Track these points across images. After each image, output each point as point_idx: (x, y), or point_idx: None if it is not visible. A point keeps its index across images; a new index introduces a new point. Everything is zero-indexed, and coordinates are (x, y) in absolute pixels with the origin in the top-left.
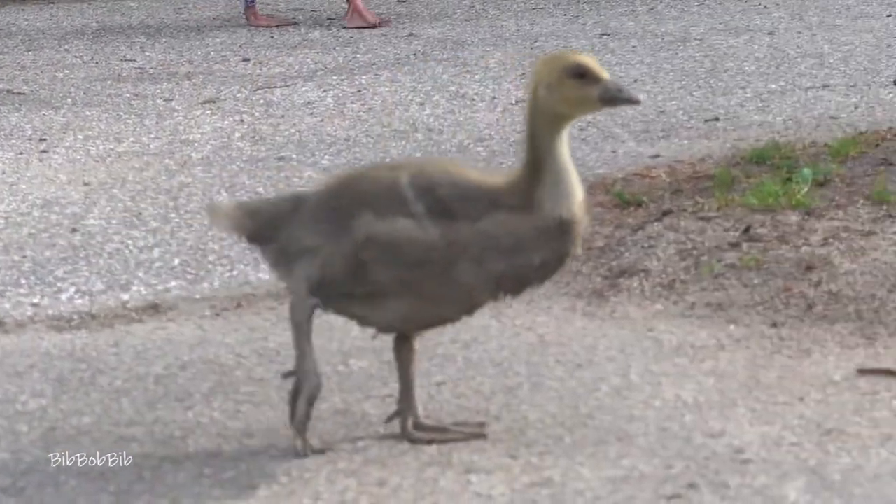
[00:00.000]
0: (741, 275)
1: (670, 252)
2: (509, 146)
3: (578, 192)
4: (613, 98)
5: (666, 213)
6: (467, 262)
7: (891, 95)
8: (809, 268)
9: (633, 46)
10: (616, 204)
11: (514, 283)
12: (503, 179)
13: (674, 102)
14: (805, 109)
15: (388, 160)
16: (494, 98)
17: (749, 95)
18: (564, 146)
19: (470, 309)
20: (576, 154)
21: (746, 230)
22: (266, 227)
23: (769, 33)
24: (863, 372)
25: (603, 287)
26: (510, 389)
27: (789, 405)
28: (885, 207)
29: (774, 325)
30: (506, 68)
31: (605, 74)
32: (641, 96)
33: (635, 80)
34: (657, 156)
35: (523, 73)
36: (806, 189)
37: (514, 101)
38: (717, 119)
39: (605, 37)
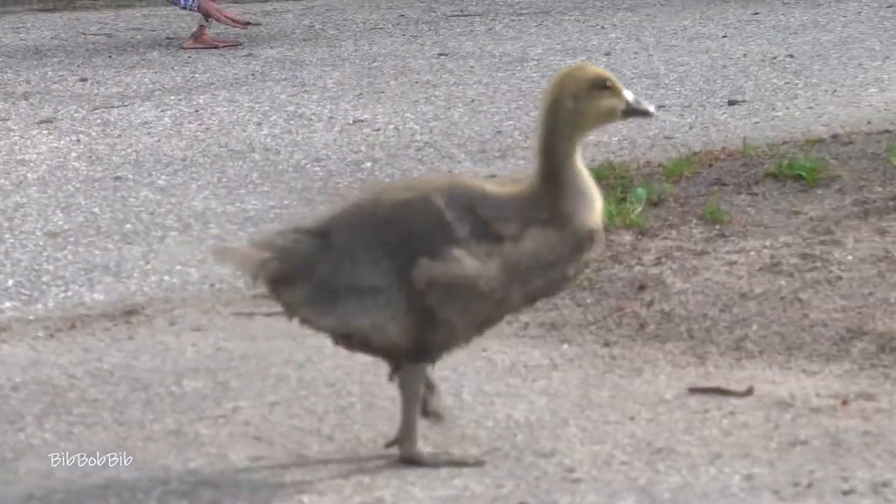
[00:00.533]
0: (574, 294)
1: None
2: (346, 166)
3: (599, 201)
4: (634, 110)
5: None
6: (517, 282)
7: (725, 116)
8: (642, 287)
9: (471, 66)
10: None
11: (546, 296)
12: (524, 191)
13: (510, 122)
14: (640, 130)
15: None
16: (332, 118)
17: None
18: (580, 156)
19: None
20: (411, 174)
21: None
22: (299, 267)
23: (606, 54)
24: (693, 391)
25: None
26: (343, 409)
27: (620, 424)
28: (717, 227)
29: (607, 344)
30: (343, 88)
31: (622, 86)
32: (652, 108)
33: (472, 101)
34: (493, 176)
35: (360, 94)
36: (640, 209)
37: (351, 122)
38: None
39: (442, 57)
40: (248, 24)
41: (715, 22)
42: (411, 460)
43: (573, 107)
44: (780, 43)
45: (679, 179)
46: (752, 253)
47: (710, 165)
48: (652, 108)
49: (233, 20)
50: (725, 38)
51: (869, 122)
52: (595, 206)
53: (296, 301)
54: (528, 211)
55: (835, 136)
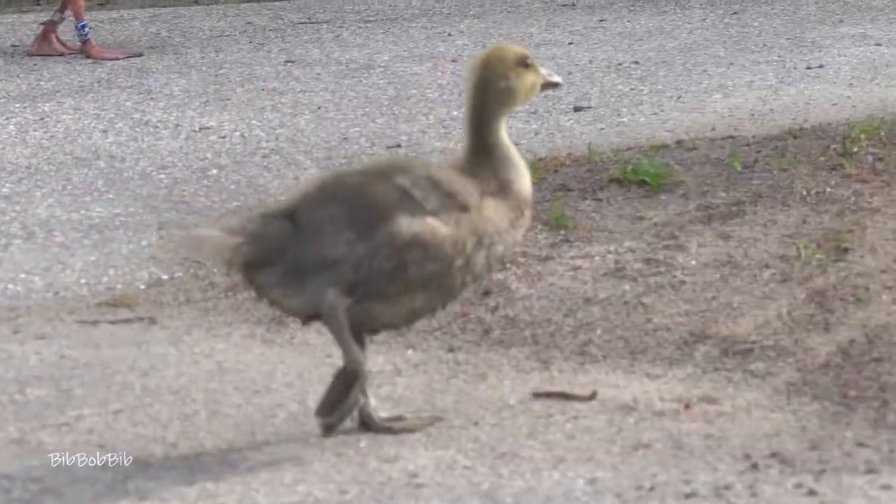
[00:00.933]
0: None
1: None
2: (192, 173)
3: (527, 170)
4: (548, 83)
5: None
6: (482, 249)
7: (571, 122)
8: (487, 293)
9: (318, 73)
10: None
11: (501, 263)
12: (463, 168)
13: (357, 129)
14: None
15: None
16: (178, 125)
17: (432, 122)
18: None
19: (458, 296)
20: (257, 181)
21: None
22: (271, 250)
23: (453, 60)
24: (537, 395)
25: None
26: (187, 417)
27: (464, 429)
28: (562, 233)
29: (451, 349)
30: (190, 95)
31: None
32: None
33: (319, 108)
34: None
35: (207, 101)
36: None
37: (197, 129)
38: (399, 146)
39: (289, 64)
40: (140, 54)
41: (561, 29)
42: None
43: (504, 85)
44: (626, 49)
45: None
46: (596, 258)
47: (556, 171)
48: (560, 79)
49: (121, 56)
50: (571, 45)
51: (713, 128)
52: (526, 175)
53: (267, 283)
54: (478, 183)
55: (679, 142)
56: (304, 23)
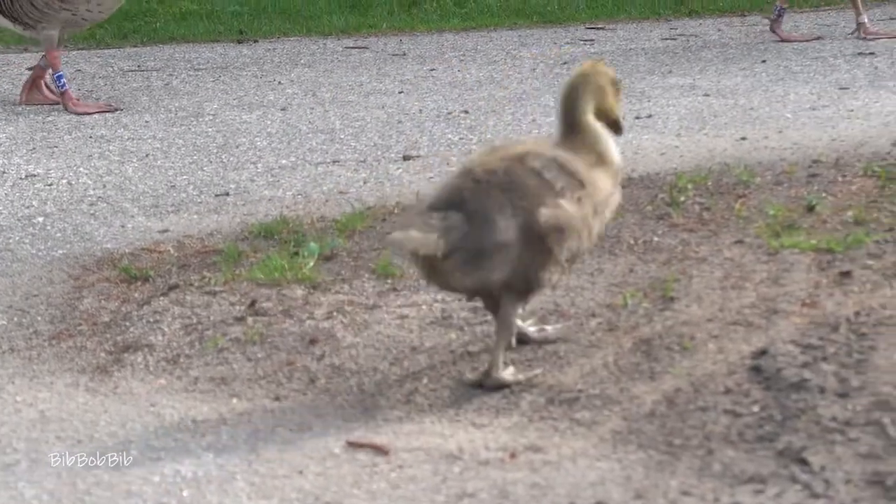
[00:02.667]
0: (245, 349)
1: (175, 327)
2: (17, 221)
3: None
4: (616, 121)
5: (172, 288)
6: (597, 217)
7: (399, 170)
8: (313, 341)
9: (147, 121)
10: (123, 279)
11: (603, 231)
12: (564, 146)
13: (185, 177)
14: (315, 184)
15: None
16: (4, 173)
17: (260, 170)
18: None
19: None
20: (83, 229)
21: (252, 304)
22: (457, 240)
23: (282, 109)
24: (362, 445)
25: (107, 362)
26: (8, 466)
27: (289, 478)
28: (389, 281)
29: (277, 398)
30: (16, 143)
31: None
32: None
33: (147, 155)
34: (166, 230)
35: (34, 148)
36: (312, 263)
37: (23, 176)
38: (227, 194)
39: (118, 111)
40: (117, 109)
41: (391, 78)
42: (499, 385)
43: (600, 84)
44: (456, 99)
45: (352, 234)
46: (423, 307)
47: (384, 220)
48: (622, 130)
49: (98, 110)
50: (402, 94)
51: None
52: (615, 145)
53: (450, 269)
54: (582, 158)
55: None
56: (135, 70)
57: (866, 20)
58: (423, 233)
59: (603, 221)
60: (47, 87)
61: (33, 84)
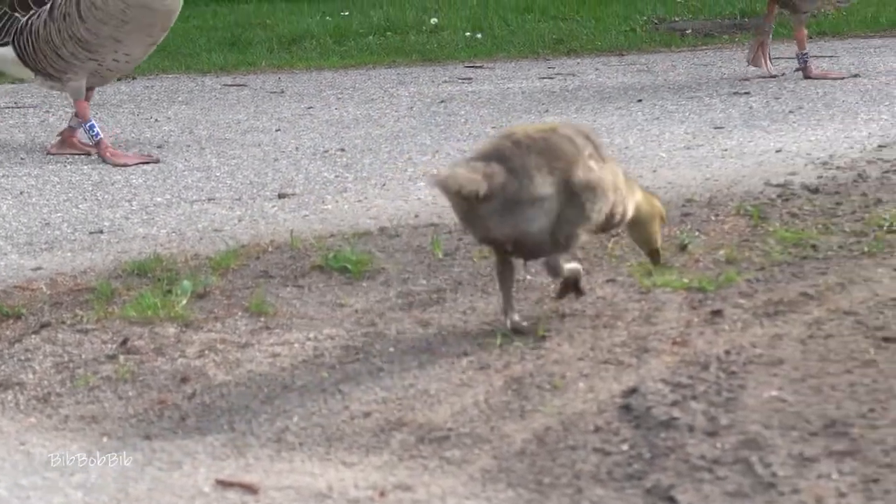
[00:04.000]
0: (116, 387)
1: (47, 365)
2: None
3: None
4: None
5: (44, 326)
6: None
7: (275, 209)
8: (185, 379)
9: (22, 158)
10: None
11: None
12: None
13: (59, 215)
14: (190, 222)
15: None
16: None
17: (135, 208)
18: None
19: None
20: None
21: (124, 342)
22: (497, 186)
23: (158, 146)
24: (231, 483)
25: None
26: None
27: None
28: (262, 319)
29: (147, 437)
30: None
31: None
32: None
33: (21, 192)
34: (39, 268)
35: None
36: (185, 301)
37: None
38: (101, 231)
39: None
40: (156, 160)
41: (269, 115)
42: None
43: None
44: (333, 137)
45: (226, 272)
46: (295, 345)
47: (258, 258)
48: None
49: (138, 161)
50: (279, 132)
51: (416, 216)
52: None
53: (486, 214)
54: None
55: (382, 229)
56: (11, 107)
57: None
58: (470, 174)
59: (618, 214)
60: (80, 142)
61: (64, 141)
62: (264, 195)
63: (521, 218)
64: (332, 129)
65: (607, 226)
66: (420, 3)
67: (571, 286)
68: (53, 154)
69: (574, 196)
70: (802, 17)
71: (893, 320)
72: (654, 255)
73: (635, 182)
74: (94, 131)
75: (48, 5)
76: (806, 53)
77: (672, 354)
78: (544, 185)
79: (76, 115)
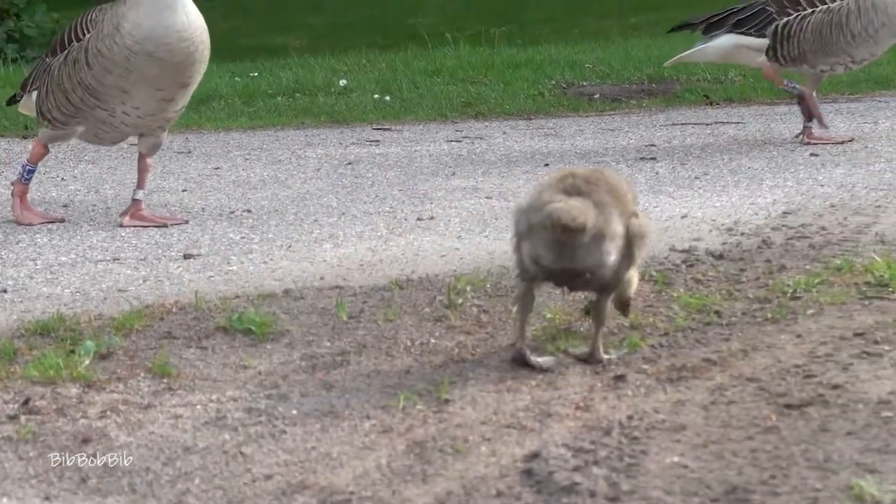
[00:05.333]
0: (17, 448)
1: None
2: None
3: None
4: None
5: None
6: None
7: (179, 269)
8: (86, 440)
9: None
10: None
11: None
12: None
13: None
14: (94, 282)
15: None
16: None
17: (39, 267)
18: None
19: None
20: None
21: (25, 402)
22: (599, 216)
23: (64, 205)
24: None
25: None
26: None
27: None
28: (165, 381)
29: (48, 498)
30: None
31: None
32: None
33: None
34: None
35: None
36: (88, 362)
37: None
38: (5, 291)
39: None
40: (63, 219)
41: (176, 176)
42: (598, 361)
43: None
44: (239, 198)
45: (130, 332)
46: (198, 407)
47: (162, 319)
48: None
49: (44, 220)
50: (185, 192)
51: (321, 278)
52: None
53: (579, 244)
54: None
55: (287, 291)
56: None
57: (813, 124)
58: (578, 208)
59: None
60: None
61: (136, 210)
62: (169, 255)
63: (601, 251)
64: (238, 189)
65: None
66: (329, 65)
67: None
68: (126, 225)
69: (634, 236)
70: (815, 80)
71: (796, 387)
72: (623, 306)
73: None
74: (28, 176)
75: (66, 51)
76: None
77: (575, 419)
78: (618, 224)
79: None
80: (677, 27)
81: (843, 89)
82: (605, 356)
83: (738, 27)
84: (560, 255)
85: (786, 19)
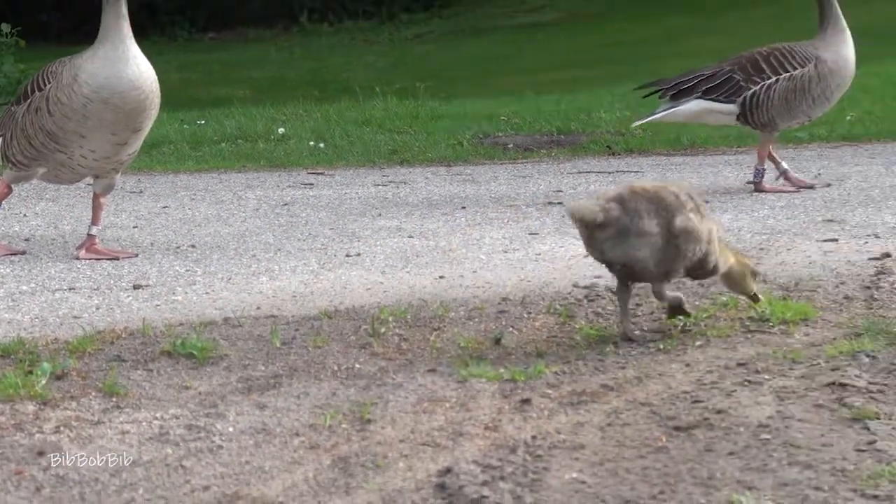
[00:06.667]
0: None
1: None
2: None
3: None
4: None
5: None
6: (712, 247)
7: (129, 298)
8: (41, 453)
9: None
10: None
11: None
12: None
13: None
14: (52, 309)
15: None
16: None
17: (1, 295)
18: None
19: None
20: None
21: None
22: (612, 218)
23: (26, 239)
24: None
25: None
26: None
27: None
28: (114, 399)
29: None
30: None
31: None
32: None
33: None
34: None
35: None
36: (44, 382)
37: None
38: None
39: None
40: (24, 252)
41: (128, 213)
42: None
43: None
44: (185, 234)
45: (83, 355)
46: (143, 423)
47: (112, 343)
48: None
49: (6, 252)
50: (136, 229)
51: (258, 308)
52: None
53: (602, 239)
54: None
55: (226, 319)
56: None
57: (786, 167)
58: (594, 206)
59: (715, 254)
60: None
61: (91, 244)
62: (120, 286)
63: (628, 245)
64: (184, 226)
65: (700, 272)
66: (269, 114)
67: (678, 309)
68: (81, 258)
69: (673, 237)
70: (773, 136)
71: (684, 411)
72: (753, 298)
73: (727, 246)
74: None
75: (29, 100)
76: (761, 170)
77: (484, 438)
78: (651, 224)
79: (93, 222)
80: (647, 86)
81: (731, 143)
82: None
83: (707, 94)
84: (592, 246)
85: (753, 89)
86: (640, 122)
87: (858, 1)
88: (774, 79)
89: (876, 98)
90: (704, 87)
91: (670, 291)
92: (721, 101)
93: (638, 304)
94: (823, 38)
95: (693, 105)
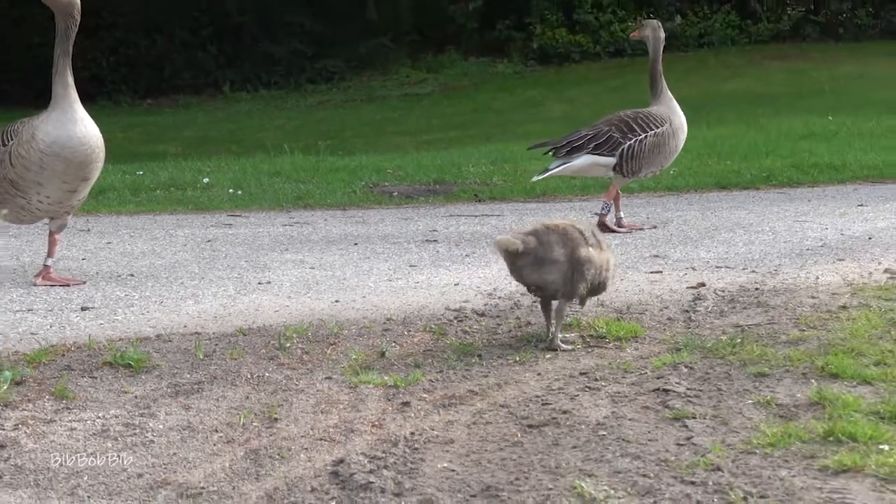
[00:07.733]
0: None
1: None
2: None
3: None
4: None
5: None
6: (605, 272)
7: (78, 318)
8: (2, 447)
9: None
10: None
11: (604, 287)
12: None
13: None
14: (13, 327)
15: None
16: None
17: None
18: None
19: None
20: None
21: None
22: (529, 248)
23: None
24: None
25: None
26: None
27: None
28: (64, 402)
29: None
30: None
31: None
32: None
33: None
34: None
35: None
36: (6, 387)
37: None
38: None
39: None
40: (84, 282)
41: (77, 248)
42: (554, 349)
43: None
44: (125, 265)
45: (38, 365)
46: (88, 422)
47: (63, 355)
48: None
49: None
50: (84, 260)
51: (185, 326)
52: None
53: (521, 265)
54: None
55: (158, 336)
56: None
57: (622, 215)
58: (513, 240)
59: (606, 280)
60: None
61: (46, 273)
62: (70, 308)
63: (543, 271)
64: (125, 259)
65: (601, 291)
66: (196, 166)
67: (551, 346)
68: (38, 285)
69: (577, 264)
70: (626, 181)
71: (536, 412)
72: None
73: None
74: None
75: None
76: (609, 204)
77: (371, 434)
78: (560, 254)
79: (48, 255)
80: (538, 146)
81: (576, 192)
82: (561, 344)
83: (595, 150)
84: (516, 272)
85: (629, 143)
86: (539, 178)
87: (677, 76)
88: (644, 135)
89: (694, 156)
90: (593, 144)
91: (560, 334)
92: (605, 155)
93: (498, 325)
94: (662, 104)
95: (584, 160)
